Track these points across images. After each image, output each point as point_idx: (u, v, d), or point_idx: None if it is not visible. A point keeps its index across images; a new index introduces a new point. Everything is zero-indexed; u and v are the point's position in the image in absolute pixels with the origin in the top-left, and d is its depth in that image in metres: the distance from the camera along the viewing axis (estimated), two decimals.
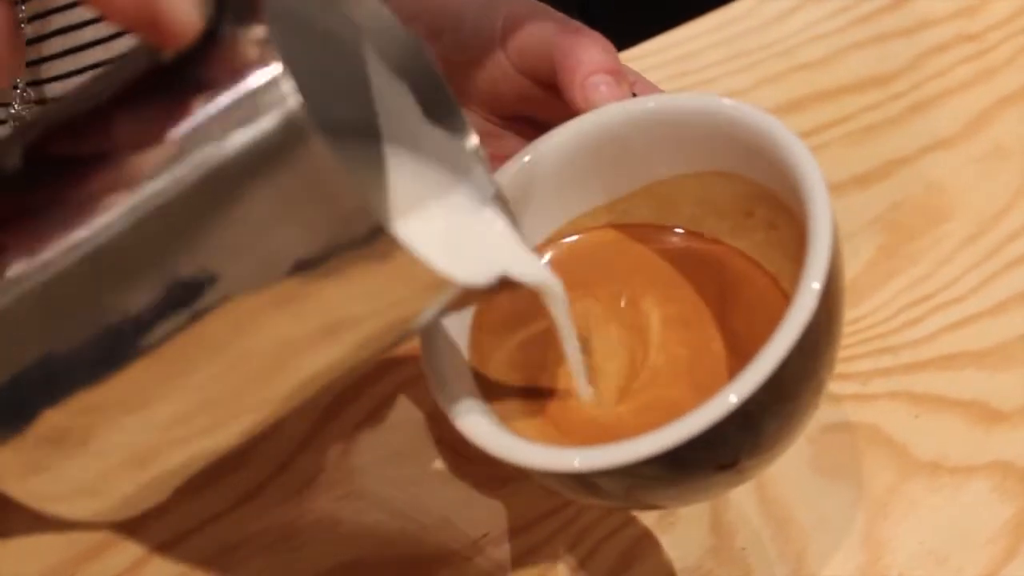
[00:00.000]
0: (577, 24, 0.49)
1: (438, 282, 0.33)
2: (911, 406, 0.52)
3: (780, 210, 0.42)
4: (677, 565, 0.48)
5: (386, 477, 0.53)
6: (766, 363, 0.35)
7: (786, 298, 0.39)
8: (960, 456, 0.50)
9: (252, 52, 0.30)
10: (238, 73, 0.30)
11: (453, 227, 0.40)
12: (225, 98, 0.30)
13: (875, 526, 0.48)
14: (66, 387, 0.33)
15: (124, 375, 0.33)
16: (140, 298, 0.32)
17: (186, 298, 0.32)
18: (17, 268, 0.32)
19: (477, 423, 0.39)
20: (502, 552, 0.50)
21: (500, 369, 0.44)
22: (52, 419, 0.34)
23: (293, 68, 0.30)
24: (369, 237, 0.31)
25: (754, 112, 0.41)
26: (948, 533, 0.48)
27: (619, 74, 0.46)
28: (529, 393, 0.43)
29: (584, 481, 0.38)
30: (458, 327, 0.43)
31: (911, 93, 0.66)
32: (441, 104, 0.41)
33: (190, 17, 0.30)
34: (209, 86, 0.30)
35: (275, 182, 0.30)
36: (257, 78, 0.30)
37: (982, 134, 0.63)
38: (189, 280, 0.32)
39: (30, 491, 0.36)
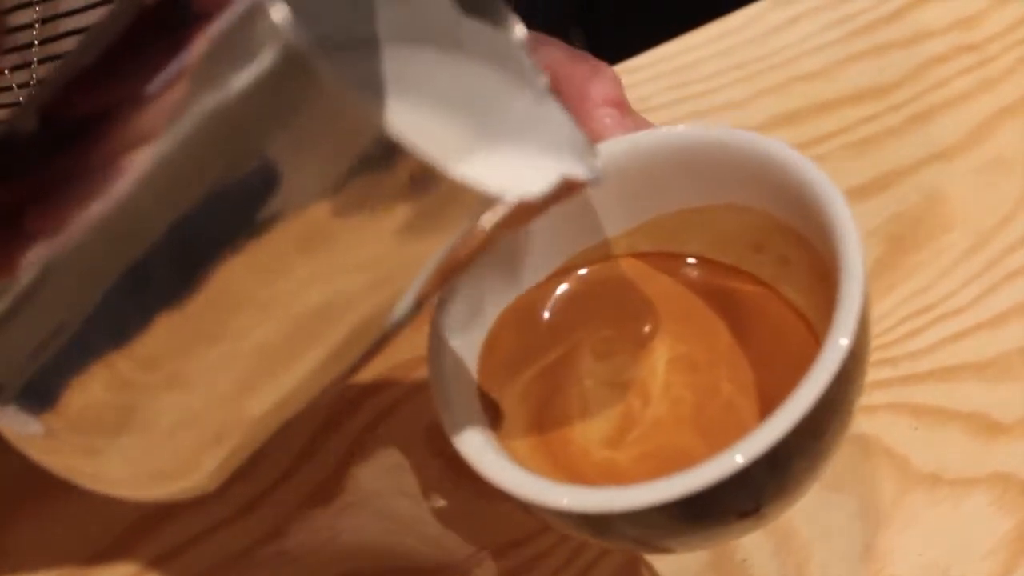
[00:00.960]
0: (584, 54, 0.48)
1: (489, 201, 0.31)
2: (911, 418, 0.52)
3: (796, 244, 0.42)
4: None
5: (384, 490, 0.52)
6: (791, 414, 0.34)
7: (805, 332, 0.39)
8: (960, 468, 0.50)
9: None
10: (226, 6, 0.28)
11: (502, 128, 0.37)
12: (217, 36, 0.29)
13: (875, 538, 0.48)
14: (96, 357, 0.33)
15: (160, 339, 0.32)
16: (164, 252, 0.31)
17: (213, 250, 0.31)
18: (46, 238, 0.32)
19: (490, 459, 0.38)
20: (498, 567, 0.49)
21: (508, 399, 0.43)
22: (95, 393, 0.33)
23: None
24: (402, 168, 0.29)
25: (772, 143, 0.41)
26: (948, 545, 0.48)
27: (625, 107, 0.46)
28: (533, 428, 0.43)
29: (597, 523, 0.37)
30: (468, 350, 0.43)
31: (911, 104, 0.66)
32: None
33: None
34: (199, 25, 0.29)
35: (288, 123, 0.29)
36: (246, 8, 0.28)
37: (982, 145, 0.63)
38: (209, 235, 0.30)
39: (88, 472, 0.36)
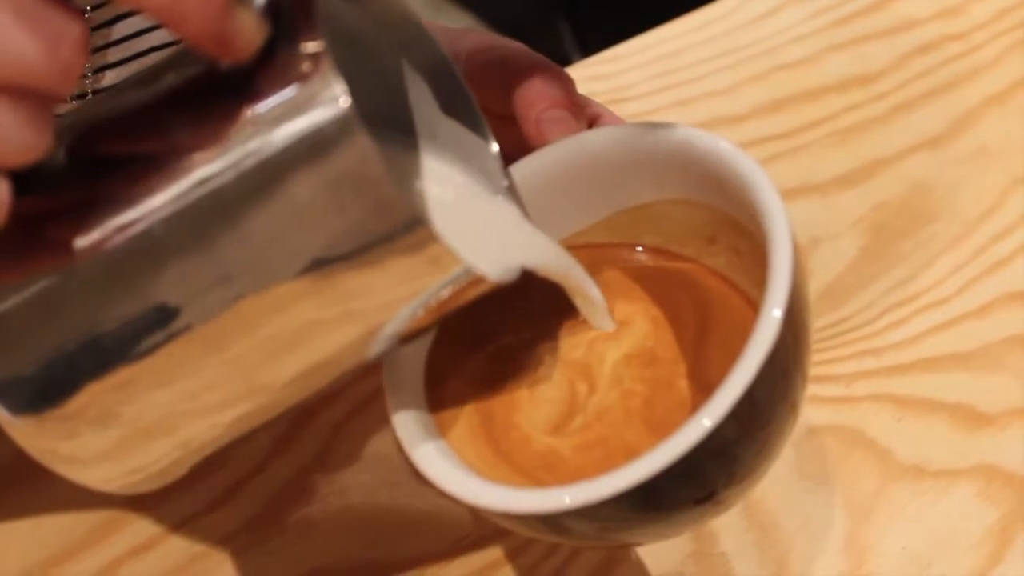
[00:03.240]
0: (537, 57, 0.49)
1: (467, 273, 0.36)
2: (894, 409, 0.52)
3: (742, 236, 0.42)
4: (657, 571, 0.48)
5: (363, 480, 0.52)
6: (731, 391, 0.34)
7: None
8: (944, 460, 0.50)
9: (308, 62, 0.33)
10: (295, 79, 0.33)
11: (475, 218, 0.41)
12: (283, 101, 0.33)
13: (858, 531, 0.48)
14: (109, 363, 0.35)
15: (165, 352, 0.35)
16: (189, 280, 0.34)
17: (231, 282, 0.34)
18: (76, 249, 0.34)
19: (439, 464, 0.38)
20: (481, 556, 0.49)
21: (457, 381, 0.43)
22: (93, 393, 0.35)
23: (342, 72, 0.32)
24: (408, 229, 0.34)
25: (712, 139, 0.41)
26: (931, 538, 0.48)
27: (575, 108, 0.46)
28: (478, 412, 0.43)
29: (551, 522, 0.37)
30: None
31: (895, 93, 0.65)
32: (455, 98, 0.43)
33: (254, 36, 0.32)
34: (267, 91, 0.33)
35: (325, 176, 0.33)
36: (315, 84, 0.32)
37: (967, 134, 0.63)
38: (236, 266, 0.34)
39: (61, 456, 0.37)
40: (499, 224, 0.42)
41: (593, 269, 0.43)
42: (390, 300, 0.36)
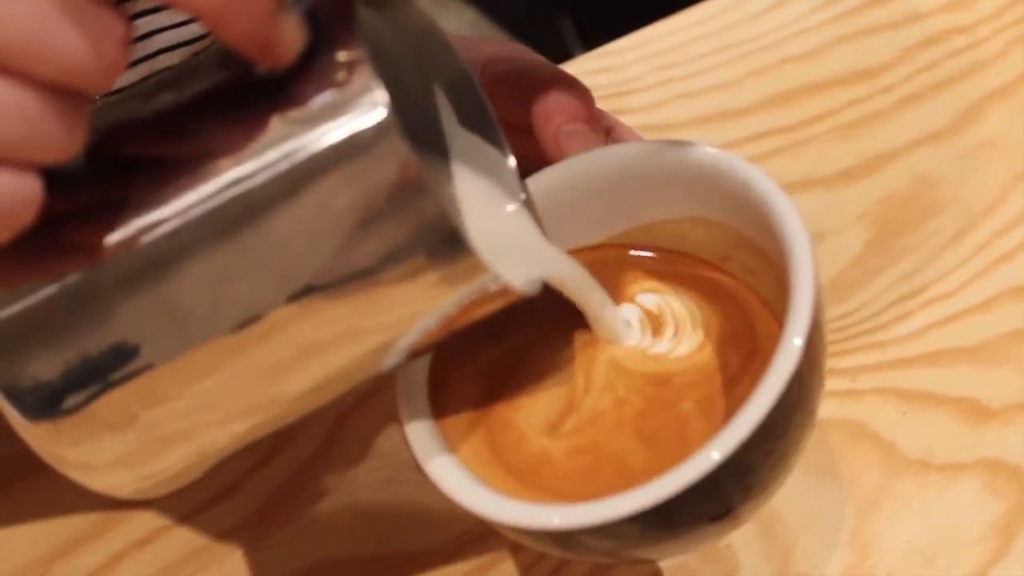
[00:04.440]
0: (557, 69, 0.49)
1: (495, 285, 0.36)
2: (899, 402, 0.51)
3: (757, 256, 0.42)
4: (660, 564, 0.47)
5: (363, 475, 0.52)
6: (752, 416, 0.35)
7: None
8: (948, 453, 0.50)
9: (348, 68, 0.33)
10: (334, 85, 0.33)
11: (499, 231, 0.41)
12: (322, 106, 0.33)
13: (862, 524, 0.48)
14: (130, 369, 0.34)
15: (188, 358, 0.35)
16: (218, 285, 0.34)
17: (261, 288, 0.34)
18: (102, 251, 0.33)
19: (452, 477, 0.38)
20: (481, 551, 0.49)
21: (457, 384, 0.43)
22: (112, 399, 0.35)
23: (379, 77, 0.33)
24: (443, 239, 0.34)
25: (732, 159, 0.41)
26: (936, 532, 0.47)
27: (594, 122, 0.46)
28: (477, 412, 0.43)
29: (563, 540, 0.37)
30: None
31: (900, 87, 0.65)
32: (475, 111, 0.43)
33: (296, 41, 0.32)
34: (307, 96, 0.33)
35: (363, 183, 0.33)
36: (354, 91, 0.32)
37: (972, 128, 0.63)
38: (266, 272, 0.34)
39: (73, 462, 0.37)
40: (520, 237, 0.42)
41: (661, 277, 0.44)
42: (418, 311, 0.36)
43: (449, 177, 0.43)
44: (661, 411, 0.40)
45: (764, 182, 0.40)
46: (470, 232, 0.39)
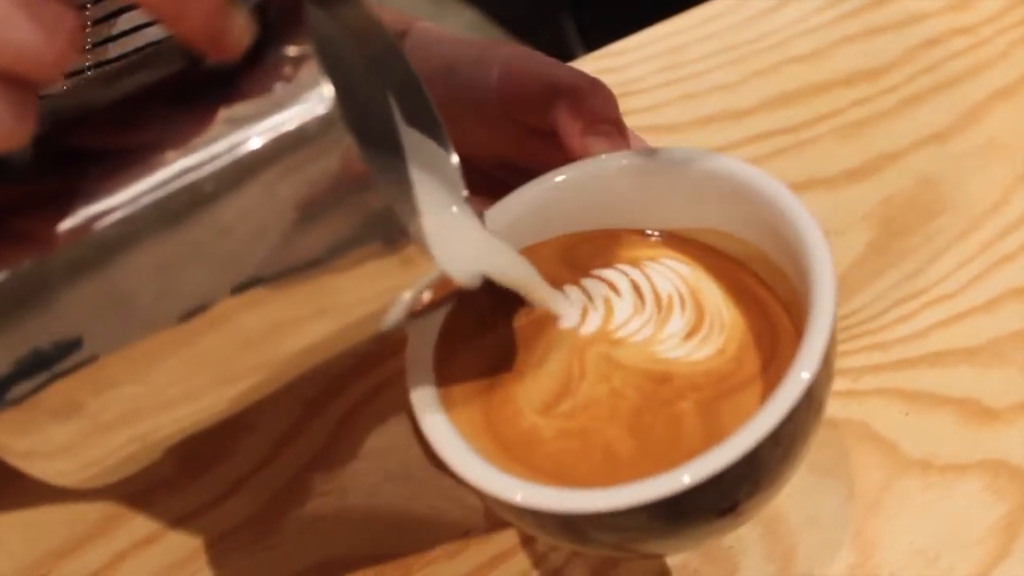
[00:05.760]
0: (580, 72, 0.49)
1: (439, 277, 0.37)
2: (901, 403, 0.51)
3: (771, 270, 0.43)
4: (663, 564, 0.47)
5: (368, 474, 0.52)
6: (770, 418, 0.36)
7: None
8: (951, 454, 0.50)
9: (295, 63, 0.33)
10: (282, 79, 0.33)
11: (441, 224, 0.42)
12: (270, 99, 0.33)
13: (865, 525, 0.48)
14: (76, 358, 0.35)
15: (135, 346, 0.35)
16: (164, 274, 0.34)
17: (206, 277, 0.34)
18: (48, 240, 0.34)
19: (455, 449, 0.39)
20: (485, 549, 0.49)
21: (463, 354, 0.44)
22: (57, 387, 0.35)
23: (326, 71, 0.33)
24: (385, 229, 0.34)
25: (760, 174, 0.42)
26: (938, 532, 0.47)
27: (620, 125, 0.47)
28: (479, 383, 0.43)
29: (571, 525, 0.37)
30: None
31: (903, 87, 0.65)
32: (420, 111, 0.43)
33: (245, 35, 0.33)
34: (254, 90, 0.33)
35: (308, 174, 0.33)
36: (301, 85, 0.33)
37: (975, 129, 0.62)
38: (212, 261, 0.34)
39: (17, 450, 0.37)
40: (462, 232, 0.42)
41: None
42: (361, 298, 0.36)
43: (395, 173, 0.43)
44: (657, 408, 0.41)
45: (791, 201, 0.41)
46: (414, 225, 0.40)
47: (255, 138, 0.33)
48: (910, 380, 0.52)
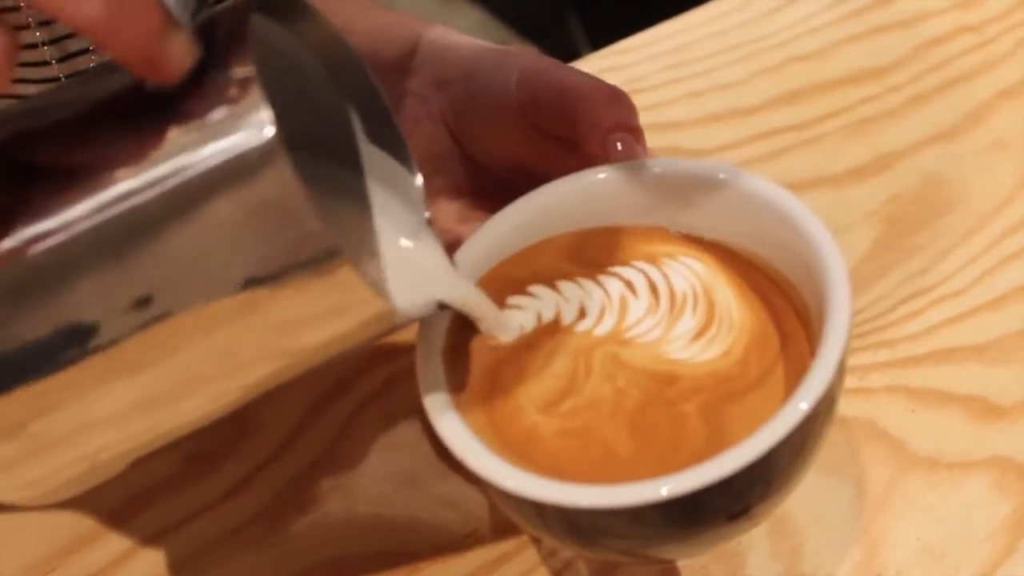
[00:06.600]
0: (599, 80, 0.49)
1: (380, 307, 0.36)
2: (908, 400, 0.51)
3: (783, 276, 0.43)
4: (668, 563, 0.47)
5: (374, 472, 0.52)
6: (786, 422, 0.36)
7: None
8: (958, 451, 0.50)
9: (237, 87, 0.33)
10: (222, 103, 0.33)
11: (393, 249, 0.42)
12: (209, 124, 0.33)
13: (872, 522, 0.48)
14: (18, 376, 0.35)
15: (78, 367, 0.35)
16: (106, 296, 0.34)
17: (149, 301, 0.34)
18: None
19: (467, 443, 0.39)
20: (491, 548, 0.49)
21: (473, 352, 0.44)
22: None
23: (269, 99, 0.33)
24: (323, 257, 0.34)
25: (786, 195, 0.42)
26: (945, 529, 0.47)
27: (639, 132, 0.47)
28: (486, 377, 0.43)
29: (580, 521, 0.37)
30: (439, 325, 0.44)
31: (909, 85, 0.65)
32: (383, 127, 0.43)
33: (185, 58, 0.32)
34: (195, 113, 0.33)
35: (244, 199, 0.33)
36: (243, 109, 0.33)
37: (981, 127, 0.63)
38: (153, 285, 0.34)
39: None
40: (417, 258, 0.42)
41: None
42: (304, 321, 0.36)
43: (351, 193, 0.43)
44: (660, 409, 0.41)
45: (813, 223, 0.41)
46: (368, 266, 0.40)
47: (195, 163, 0.32)
48: (917, 378, 0.52)
